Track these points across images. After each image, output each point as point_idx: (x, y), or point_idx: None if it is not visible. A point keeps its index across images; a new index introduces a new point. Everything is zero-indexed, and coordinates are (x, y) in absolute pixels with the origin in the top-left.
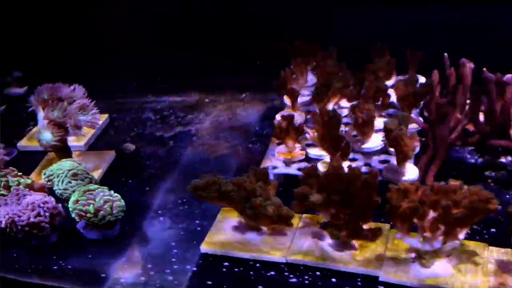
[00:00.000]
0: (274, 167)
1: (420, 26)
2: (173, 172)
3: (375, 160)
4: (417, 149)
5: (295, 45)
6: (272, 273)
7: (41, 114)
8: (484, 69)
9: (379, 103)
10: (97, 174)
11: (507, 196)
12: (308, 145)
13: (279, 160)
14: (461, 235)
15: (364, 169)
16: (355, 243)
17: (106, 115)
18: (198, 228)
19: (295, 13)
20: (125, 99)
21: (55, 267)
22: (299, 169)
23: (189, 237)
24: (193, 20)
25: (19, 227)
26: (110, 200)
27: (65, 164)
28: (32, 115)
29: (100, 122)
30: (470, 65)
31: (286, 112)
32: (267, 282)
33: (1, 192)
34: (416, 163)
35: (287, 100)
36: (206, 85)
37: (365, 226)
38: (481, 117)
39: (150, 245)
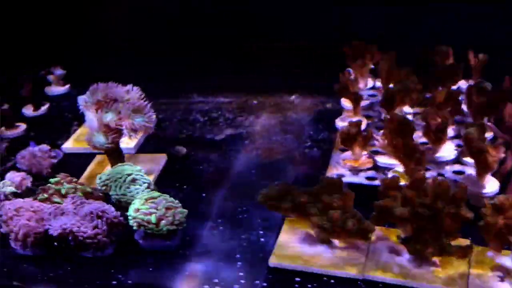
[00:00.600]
0: (340, 176)
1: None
2: (229, 178)
3: (448, 170)
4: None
5: (353, 46)
6: None
7: (90, 114)
8: None
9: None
10: (150, 179)
11: None
12: (374, 152)
13: (345, 168)
14: None
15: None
16: (436, 259)
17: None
18: (262, 239)
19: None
20: (170, 99)
21: (114, 282)
22: (366, 178)
23: (253, 248)
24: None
25: (79, 239)
26: (172, 208)
27: (124, 169)
28: (76, 115)
29: None
30: None
31: (345, 116)
32: None
33: (56, 200)
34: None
35: (345, 103)
36: (253, 86)
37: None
38: None
39: (213, 257)
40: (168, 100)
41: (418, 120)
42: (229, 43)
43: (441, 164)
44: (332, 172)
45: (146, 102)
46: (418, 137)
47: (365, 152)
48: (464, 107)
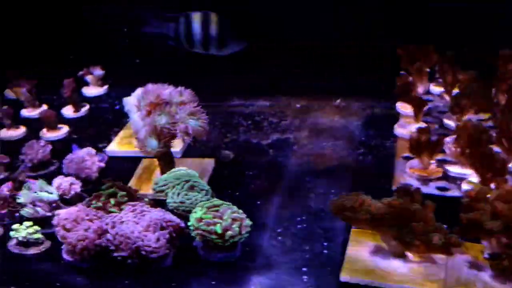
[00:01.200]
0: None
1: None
2: (282, 185)
3: None
4: None
5: (409, 49)
6: None
7: (135, 116)
8: None
9: None
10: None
11: None
12: (441, 161)
13: (413, 177)
14: None
15: None
16: None
17: None
18: (325, 251)
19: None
20: (210, 102)
21: None
22: (437, 188)
23: (318, 261)
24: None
25: (141, 252)
26: (238, 218)
27: (181, 174)
28: (116, 117)
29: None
30: None
31: (403, 122)
32: None
33: (112, 210)
34: None
35: (402, 109)
36: (293, 89)
37: None
38: None
39: (277, 270)
40: (207, 103)
41: None
42: (263, 43)
43: None
44: (399, 181)
45: (198, 104)
46: None
47: (432, 161)
48: None
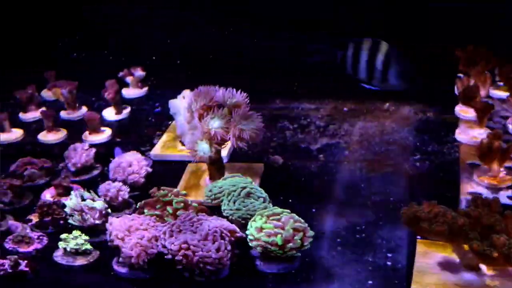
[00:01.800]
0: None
1: None
2: (336, 192)
3: None
4: None
5: (467, 50)
6: None
7: (182, 119)
8: None
9: None
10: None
11: None
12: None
13: (482, 185)
14: None
15: None
16: None
17: None
18: (388, 263)
19: None
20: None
21: None
22: (509, 197)
23: (383, 274)
24: None
25: (201, 264)
26: (300, 228)
27: (237, 181)
28: (159, 120)
29: None
30: None
31: (464, 127)
32: None
33: (168, 219)
34: None
35: (463, 113)
36: (339, 92)
37: None
38: None
39: (340, 283)
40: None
41: None
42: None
43: None
44: (467, 189)
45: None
46: None
47: (501, 168)
48: None
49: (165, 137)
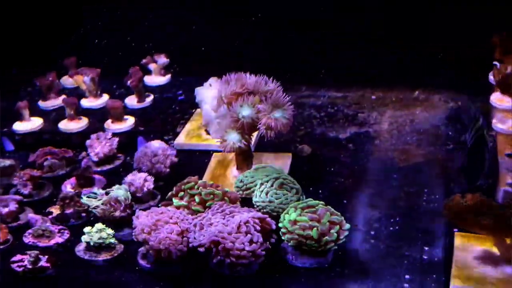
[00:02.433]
0: None
1: None
2: (368, 183)
3: None
4: None
5: (503, 37)
6: None
7: (208, 107)
8: None
9: None
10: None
11: None
12: None
13: None
14: None
15: None
16: None
17: None
18: (425, 256)
19: None
20: None
21: None
22: None
23: (420, 267)
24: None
25: (233, 257)
26: (337, 221)
27: (269, 171)
28: (182, 108)
29: None
30: None
31: (502, 117)
32: None
33: (196, 207)
34: None
35: (499, 102)
36: (366, 79)
37: None
38: None
39: (375, 278)
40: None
41: None
42: (333, 28)
43: None
44: (505, 180)
45: (284, 95)
46: None
47: None
48: None
49: (189, 125)
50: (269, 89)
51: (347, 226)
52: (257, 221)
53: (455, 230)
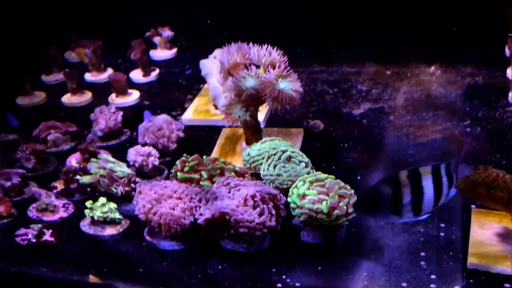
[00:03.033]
0: None
1: None
2: (383, 159)
3: None
4: None
5: None
6: None
7: (214, 80)
8: None
9: None
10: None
11: None
12: None
13: None
14: None
15: None
16: None
17: None
18: (441, 234)
19: None
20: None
21: (279, 285)
22: None
23: (435, 245)
24: None
25: (239, 231)
26: (346, 195)
27: (276, 144)
28: (189, 83)
29: None
30: None
31: None
32: None
33: (204, 182)
34: None
35: None
36: (381, 55)
37: None
38: None
39: (389, 254)
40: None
41: None
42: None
43: None
44: None
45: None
46: None
47: None
48: None
49: (197, 101)
50: (273, 58)
51: (355, 199)
52: (266, 194)
53: (472, 206)
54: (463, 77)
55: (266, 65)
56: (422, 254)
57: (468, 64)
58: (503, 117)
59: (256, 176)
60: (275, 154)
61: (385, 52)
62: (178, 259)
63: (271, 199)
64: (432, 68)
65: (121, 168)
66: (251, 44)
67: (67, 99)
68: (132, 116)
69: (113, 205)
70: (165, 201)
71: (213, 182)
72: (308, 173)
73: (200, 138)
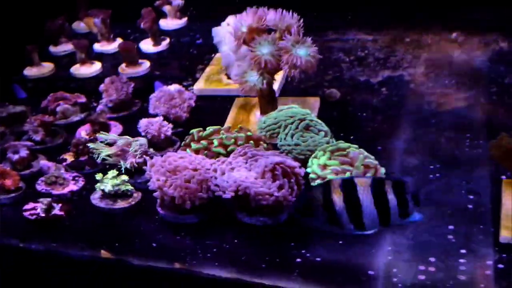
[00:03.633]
0: None
1: None
2: (404, 128)
3: None
4: None
5: None
6: None
7: (227, 48)
8: None
9: None
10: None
11: None
12: None
13: None
14: None
15: None
16: None
17: None
18: (469, 206)
19: None
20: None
21: (298, 260)
22: None
23: (465, 219)
24: None
25: (259, 203)
26: (372, 165)
27: (294, 112)
28: (200, 52)
29: None
30: None
31: None
32: None
33: (218, 149)
34: None
35: None
36: (398, 21)
37: None
38: None
39: (416, 229)
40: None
41: None
42: None
43: None
44: None
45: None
46: None
47: None
48: None
49: (208, 70)
50: (291, 23)
51: (383, 170)
52: (287, 167)
53: (502, 177)
54: (487, 43)
55: (282, 30)
56: (450, 227)
57: (493, 30)
58: None
59: (272, 145)
60: (292, 123)
61: (403, 19)
62: (192, 233)
63: (294, 173)
64: (454, 34)
65: (137, 139)
66: (265, 8)
67: (76, 69)
68: (143, 86)
69: (124, 177)
70: (181, 172)
71: (227, 151)
72: (327, 142)
73: (212, 108)
